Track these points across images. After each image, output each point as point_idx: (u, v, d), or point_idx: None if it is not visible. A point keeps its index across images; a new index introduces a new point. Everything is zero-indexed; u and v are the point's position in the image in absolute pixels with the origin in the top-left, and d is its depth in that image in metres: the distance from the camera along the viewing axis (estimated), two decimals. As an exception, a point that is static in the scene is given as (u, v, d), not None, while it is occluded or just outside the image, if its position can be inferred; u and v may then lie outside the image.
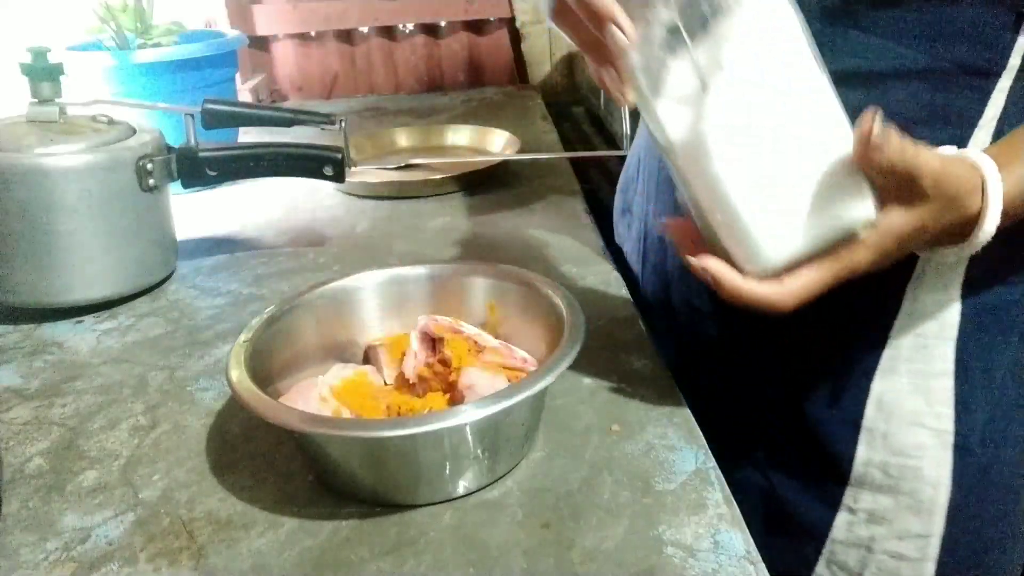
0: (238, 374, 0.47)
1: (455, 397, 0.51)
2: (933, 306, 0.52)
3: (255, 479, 0.49)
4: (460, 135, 1.20)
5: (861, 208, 0.42)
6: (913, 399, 0.54)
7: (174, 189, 0.78)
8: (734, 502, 0.45)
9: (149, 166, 0.72)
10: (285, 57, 1.61)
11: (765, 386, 0.61)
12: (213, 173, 0.77)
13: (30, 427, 0.56)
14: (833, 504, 0.58)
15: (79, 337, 0.68)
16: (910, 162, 0.41)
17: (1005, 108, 0.49)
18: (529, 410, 0.48)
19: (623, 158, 0.84)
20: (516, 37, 1.64)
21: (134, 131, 0.74)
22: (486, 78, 1.66)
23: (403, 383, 0.54)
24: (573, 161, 1.10)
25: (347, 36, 1.60)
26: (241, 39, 1.09)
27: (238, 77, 1.31)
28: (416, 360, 0.54)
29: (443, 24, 1.62)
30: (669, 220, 0.47)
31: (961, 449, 0.54)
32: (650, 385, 0.56)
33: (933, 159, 0.41)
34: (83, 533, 0.45)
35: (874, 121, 0.39)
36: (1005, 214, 0.43)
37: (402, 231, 0.88)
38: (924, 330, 0.53)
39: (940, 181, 0.41)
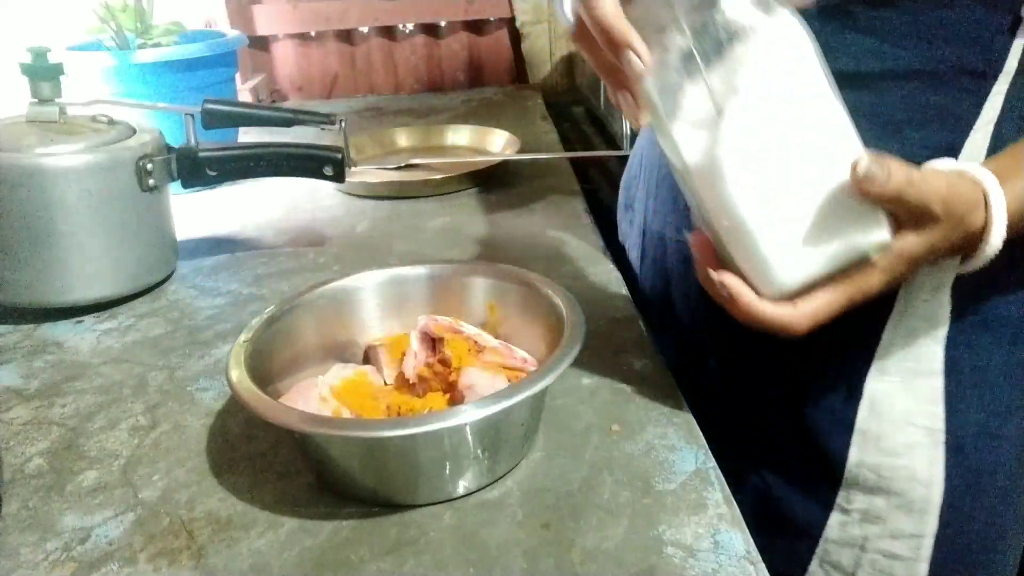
0: (238, 374, 0.47)
1: (455, 397, 0.51)
2: (924, 307, 0.53)
3: (255, 479, 0.49)
4: (460, 135, 1.20)
5: (876, 233, 0.43)
6: (904, 399, 0.54)
7: (174, 189, 0.78)
8: (734, 502, 0.45)
9: (149, 166, 0.72)
10: (285, 57, 1.61)
11: (765, 386, 0.61)
12: (213, 173, 0.77)
13: (30, 427, 0.56)
14: (827, 504, 0.58)
15: (79, 337, 0.68)
16: (918, 189, 0.41)
17: (1002, 111, 0.49)
18: (529, 410, 0.48)
19: (623, 158, 0.84)
20: (516, 37, 1.64)
21: (134, 131, 0.74)
22: (486, 78, 1.66)
23: (403, 383, 0.54)
24: (573, 161, 1.10)
25: (347, 36, 1.61)
26: (241, 39, 1.09)
27: (238, 77, 1.31)
28: (416, 360, 0.54)
29: (443, 24, 1.62)
30: (694, 234, 0.47)
31: (953, 449, 0.54)
32: (650, 385, 0.56)
33: (938, 181, 0.42)
34: (83, 533, 0.45)
35: (863, 159, 0.40)
36: (1009, 228, 0.43)
37: (402, 231, 0.88)
38: (915, 330, 0.53)
39: (949, 202, 0.42)
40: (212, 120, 0.77)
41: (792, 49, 0.41)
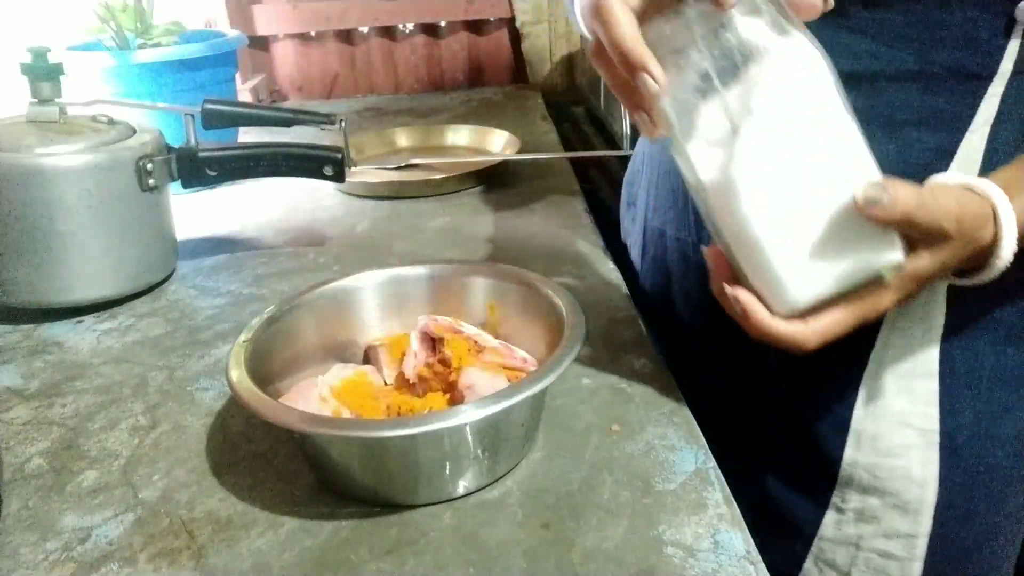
0: (238, 374, 0.47)
1: (455, 397, 0.51)
2: (919, 309, 0.53)
3: (255, 479, 0.49)
4: (460, 135, 1.20)
5: (889, 254, 0.43)
6: (900, 400, 0.54)
7: (174, 189, 0.78)
8: (734, 502, 0.45)
9: (149, 166, 0.72)
10: (285, 57, 1.61)
11: (764, 386, 0.61)
12: (213, 173, 0.77)
13: (30, 427, 0.56)
14: (822, 503, 0.58)
15: (79, 337, 0.68)
16: (929, 212, 0.41)
17: (998, 113, 0.49)
18: (529, 410, 0.48)
19: (623, 158, 0.84)
20: (516, 37, 1.64)
21: (134, 131, 0.74)
22: (486, 78, 1.66)
23: (403, 383, 0.54)
24: (573, 161, 1.10)
25: (347, 36, 1.60)
26: (241, 39, 1.09)
27: (238, 77, 1.31)
28: (416, 360, 0.54)
29: (443, 24, 1.62)
30: (710, 248, 0.47)
31: (948, 449, 0.54)
32: (650, 385, 0.56)
33: (948, 200, 0.42)
34: (83, 533, 0.45)
35: (863, 187, 0.40)
36: (1019, 241, 0.43)
37: (402, 231, 0.88)
38: (911, 332, 0.53)
39: (961, 220, 0.42)
40: (212, 120, 0.77)
41: (806, 70, 0.42)
